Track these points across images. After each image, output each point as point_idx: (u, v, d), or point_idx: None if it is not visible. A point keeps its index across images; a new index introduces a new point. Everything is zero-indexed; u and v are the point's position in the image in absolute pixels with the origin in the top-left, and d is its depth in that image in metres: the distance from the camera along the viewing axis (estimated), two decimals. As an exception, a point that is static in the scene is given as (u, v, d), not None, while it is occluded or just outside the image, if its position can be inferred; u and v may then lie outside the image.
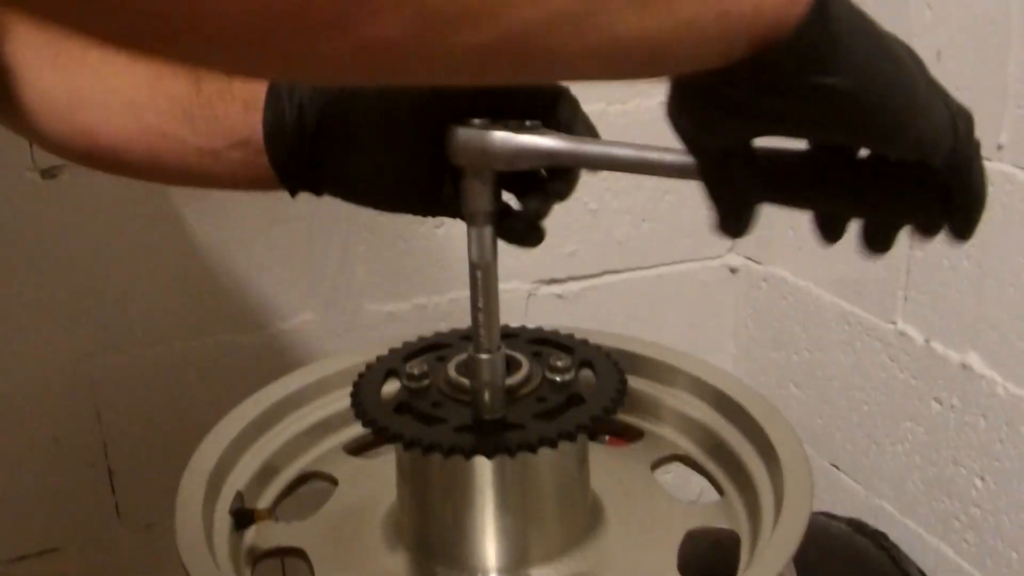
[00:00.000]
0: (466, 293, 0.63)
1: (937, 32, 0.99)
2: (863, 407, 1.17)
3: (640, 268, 1.29)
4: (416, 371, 0.67)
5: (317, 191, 0.66)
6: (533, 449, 0.60)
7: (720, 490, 0.74)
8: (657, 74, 0.43)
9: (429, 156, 0.60)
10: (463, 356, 0.67)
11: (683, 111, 0.45)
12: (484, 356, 0.62)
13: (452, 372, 0.66)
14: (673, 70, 0.43)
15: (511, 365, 0.66)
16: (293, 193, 0.67)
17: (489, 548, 0.64)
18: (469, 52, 0.35)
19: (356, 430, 0.81)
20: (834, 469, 1.23)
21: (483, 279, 0.62)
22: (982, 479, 1.02)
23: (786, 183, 0.51)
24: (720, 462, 0.75)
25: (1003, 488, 0.99)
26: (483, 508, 0.64)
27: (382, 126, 0.62)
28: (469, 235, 0.61)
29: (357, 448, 0.81)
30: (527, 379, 0.66)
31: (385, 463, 0.75)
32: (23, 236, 1.00)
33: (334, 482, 0.77)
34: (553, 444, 0.60)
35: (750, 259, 1.32)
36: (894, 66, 0.46)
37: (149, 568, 1.13)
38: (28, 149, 0.98)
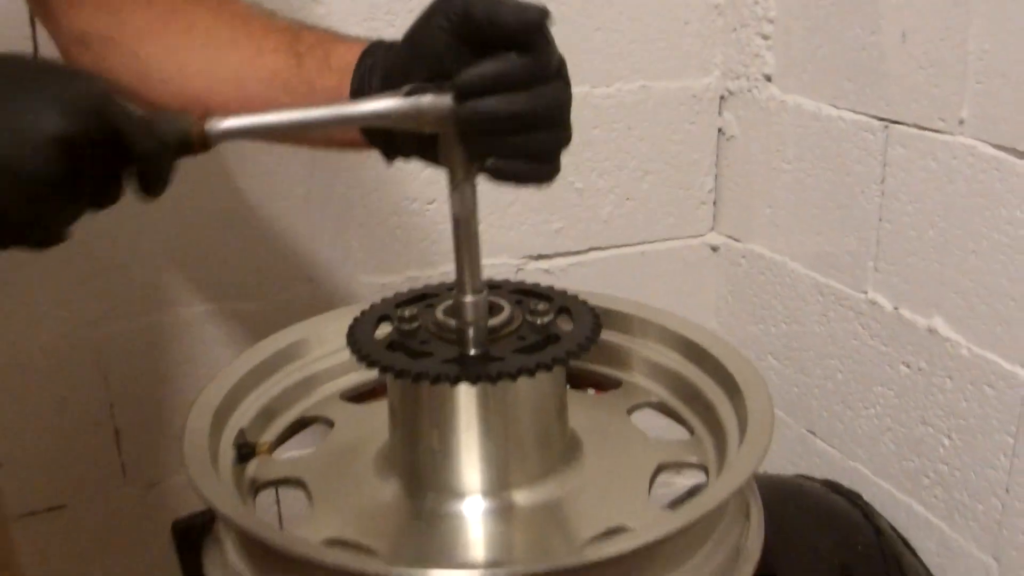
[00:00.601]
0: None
1: (903, 13, 1.05)
2: (837, 375, 1.22)
3: (624, 245, 1.35)
4: (406, 314, 0.72)
5: (402, 153, 0.69)
6: (513, 377, 0.65)
7: (691, 430, 0.79)
8: None
9: None
10: (450, 302, 0.72)
11: None
12: (468, 298, 0.67)
13: (440, 315, 0.71)
14: None
15: (494, 309, 0.71)
16: (387, 158, 0.71)
17: (473, 472, 0.69)
18: None
19: (352, 379, 0.87)
20: (810, 435, 1.28)
21: (464, 229, 0.67)
22: (949, 437, 1.07)
23: None
24: (690, 405, 0.80)
25: (968, 445, 1.04)
26: (467, 434, 0.69)
27: None
28: (450, 190, 0.65)
29: (353, 396, 0.86)
30: (509, 321, 0.71)
31: (378, 408, 0.80)
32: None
33: (331, 424, 0.82)
34: (531, 373, 0.65)
35: (730, 237, 1.38)
36: None
37: (153, 525, 1.18)
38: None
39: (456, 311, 0.68)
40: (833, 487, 1.18)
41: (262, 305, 1.16)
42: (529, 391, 0.69)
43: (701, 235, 1.39)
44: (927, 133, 1.04)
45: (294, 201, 1.15)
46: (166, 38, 0.71)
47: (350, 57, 0.69)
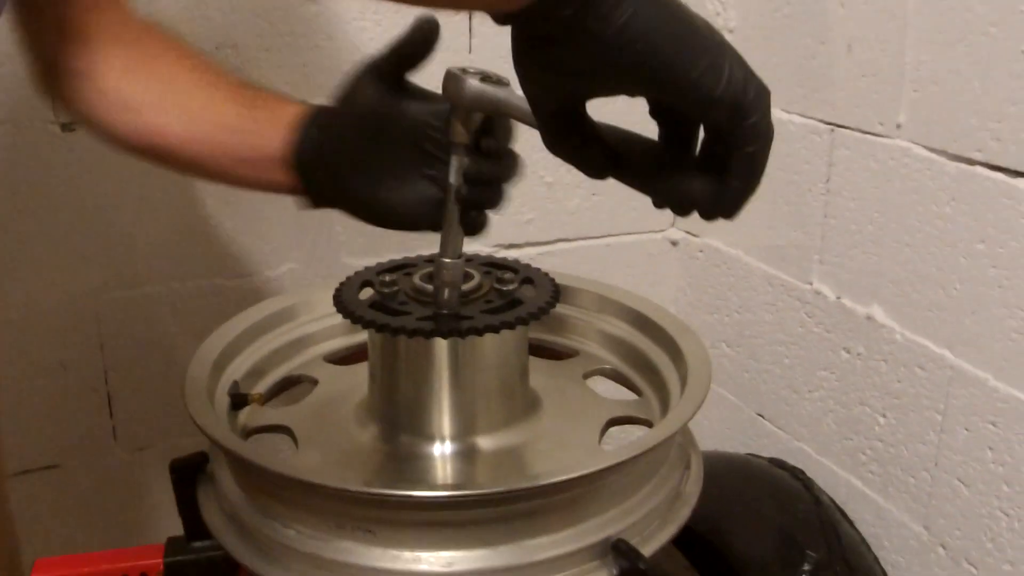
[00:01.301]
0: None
1: (849, 26, 1.14)
2: (784, 360, 1.31)
3: (590, 237, 1.44)
4: (387, 280, 0.81)
5: (330, 205, 0.79)
6: (480, 333, 0.73)
7: (639, 392, 0.88)
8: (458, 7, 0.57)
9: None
10: (427, 270, 0.80)
11: (517, 70, 0.54)
12: (447, 260, 0.75)
13: (417, 281, 0.80)
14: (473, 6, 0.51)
15: (466, 277, 0.80)
16: (314, 206, 0.80)
17: (444, 419, 0.78)
18: None
19: (336, 343, 0.96)
20: (759, 418, 1.37)
21: (455, 199, 0.75)
22: (884, 416, 1.16)
23: (631, 167, 0.62)
24: (639, 370, 0.89)
25: (901, 422, 1.14)
26: (439, 384, 0.77)
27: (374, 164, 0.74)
28: (451, 162, 0.73)
29: (336, 359, 0.94)
30: (478, 287, 0.80)
31: (359, 370, 0.88)
32: (43, 181, 1.13)
33: (315, 383, 0.90)
34: (496, 330, 0.74)
35: (689, 232, 1.47)
36: (668, 14, 0.50)
37: (141, 487, 1.25)
38: (50, 105, 1.11)
39: (435, 270, 0.76)
40: (778, 464, 1.27)
41: (251, 282, 1.24)
42: (495, 347, 0.77)
43: (662, 230, 1.48)
44: (868, 136, 1.13)
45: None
46: (135, 78, 0.78)
47: (294, 116, 0.77)
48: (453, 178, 0.73)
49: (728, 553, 1.14)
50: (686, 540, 1.14)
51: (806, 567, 1.09)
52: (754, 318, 1.36)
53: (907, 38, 1.07)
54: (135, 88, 0.78)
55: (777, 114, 1.26)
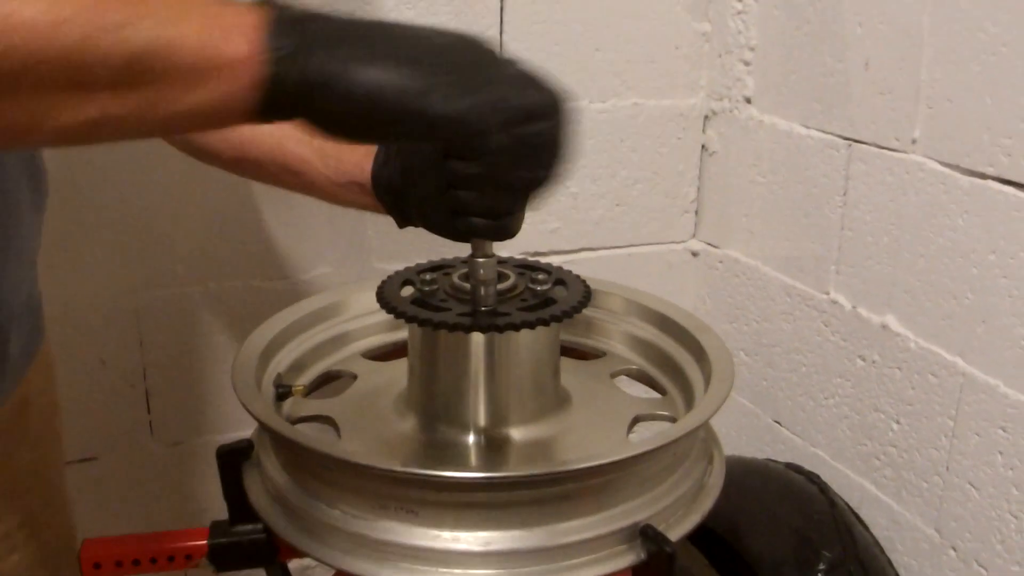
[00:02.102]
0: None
1: (866, 44, 1.19)
2: (801, 368, 1.35)
3: (613, 247, 1.48)
4: (427, 278, 0.85)
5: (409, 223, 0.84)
6: (516, 328, 0.77)
7: (664, 391, 0.92)
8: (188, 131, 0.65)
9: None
10: (464, 270, 0.85)
11: None
12: (481, 259, 0.79)
13: (455, 279, 0.84)
14: (209, 127, 0.56)
15: (501, 277, 0.84)
16: (400, 224, 0.85)
17: (479, 410, 0.82)
18: None
19: (374, 341, 1.00)
20: (776, 425, 1.41)
21: None
22: (897, 422, 1.20)
23: None
24: (663, 370, 0.93)
25: (914, 428, 1.17)
26: (476, 377, 0.81)
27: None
28: None
29: (374, 356, 0.98)
30: (514, 287, 0.84)
31: (397, 365, 0.93)
32: (87, 183, 1.17)
33: (354, 377, 0.94)
34: (531, 326, 0.78)
35: (709, 244, 1.51)
36: (424, 62, 0.55)
37: (175, 480, 1.29)
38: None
39: (471, 270, 0.80)
40: (794, 468, 1.30)
41: (285, 284, 1.29)
42: (529, 343, 0.81)
43: (683, 241, 1.52)
44: (884, 151, 1.17)
45: (318, 191, 1.28)
46: None
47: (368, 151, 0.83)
48: None
49: (745, 553, 1.17)
50: (705, 540, 1.19)
51: (821, 567, 1.13)
52: (772, 327, 1.40)
53: (922, 56, 1.11)
54: None
55: (797, 129, 1.31)
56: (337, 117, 0.55)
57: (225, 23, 0.51)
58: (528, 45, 1.33)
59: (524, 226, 1.38)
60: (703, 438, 0.86)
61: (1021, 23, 0.99)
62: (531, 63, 0.62)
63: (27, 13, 0.46)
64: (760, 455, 1.42)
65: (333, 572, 0.78)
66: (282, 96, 0.53)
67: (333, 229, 1.30)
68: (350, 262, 1.31)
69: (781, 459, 1.38)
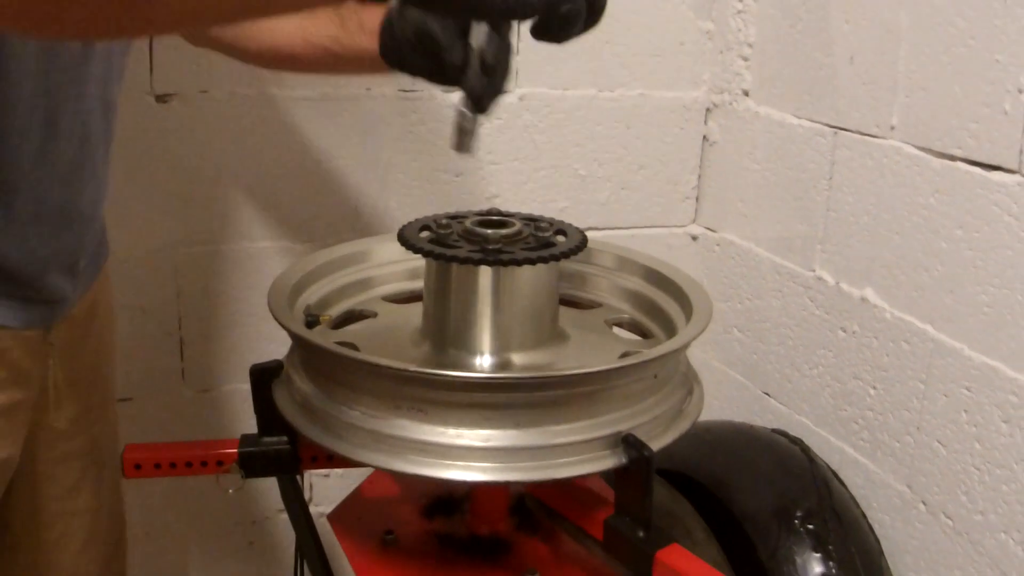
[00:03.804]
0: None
1: (851, 40, 1.29)
2: (788, 341, 1.45)
3: (618, 228, 1.58)
4: (443, 223, 0.96)
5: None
6: (519, 263, 0.88)
7: (652, 335, 1.02)
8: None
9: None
10: (476, 219, 0.96)
11: None
12: (466, 111, 0.82)
13: (468, 225, 0.95)
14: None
15: (507, 224, 0.95)
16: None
17: (485, 336, 0.92)
18: None
19: (394, 287, 1.10)
20: (766, 396, 1.50)
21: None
22: (874, 387, 1.29)
23: None
24: (652, 317, 1.04)
25: (888, 393, 1.27)
26: (483, 306, 0.91)
27: None
28: (473, 29, 0.83)
29: (393, 300, 1.09)
30: (518, 232, 0.95)
31: (413, 308, 1.03)
32: (138, 145, 1.29)
33: (374, 315, 1.05)
34: (532, 263, 0.89)
35: (708, 228, 1.61)
36: None
37: (203, 424, 1.40)
38: (148, 78, 1.28)
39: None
40: (779, 432, 1.40)
41: (314, 247, 1.39)
42: (530, 278, 0.92)
43: (684, 225, 1.63)
44: (866, 138, 1.28)
45: (348, 162, 1.39)
46: None
47: (376, 21, 0.94)
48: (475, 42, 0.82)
49: (731, 504, 1.27)
50: (696, 494, 1.29)
51: (798, 514, 1.22)
52: (763, 304, 1.50)
53: (900, 50, 1.21)
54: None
55: (789, 119, 1.41)
56: None
57: None
58: (542, 35, 1.44)
59: (536, 203, 1.51)
60: (684, 372, 0.95)
61: (986, 18, 1.09)
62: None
63: None
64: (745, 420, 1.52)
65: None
66: None
67: (359, 196, 1.41)
68: (373, 227, 1.42)
69: (769, 427, 1.47)
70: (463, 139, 0.83)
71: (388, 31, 0.93)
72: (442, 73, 0.82)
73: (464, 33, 0.81)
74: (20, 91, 0.76)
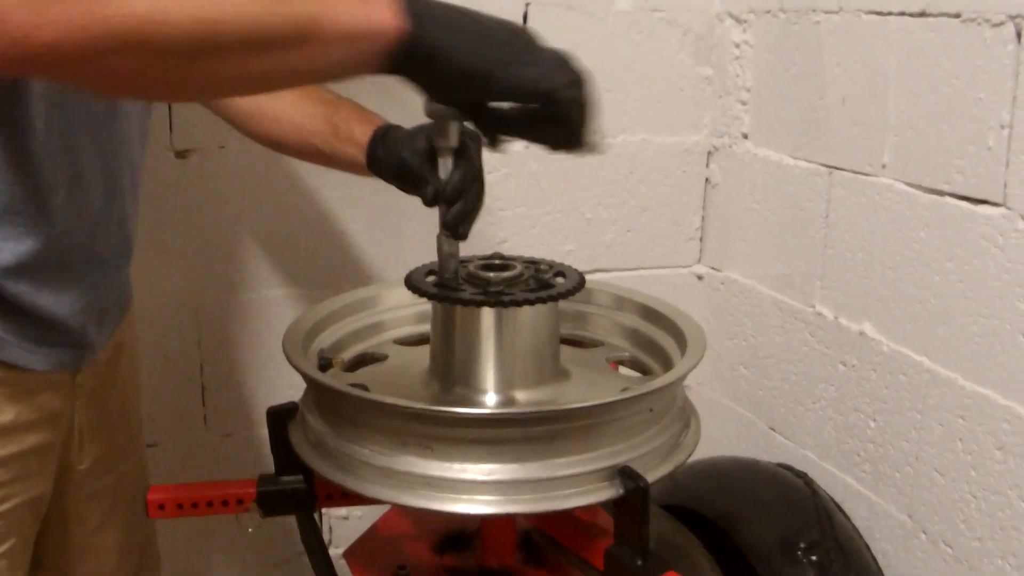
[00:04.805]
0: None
1: (843, 83, 1.34)
2: (791, 377, 1.48)
3: (624, 269, 1.63)
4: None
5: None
6: (519, 304, 0.93)
7: (651, 371, 1.06)
8: (337, 79, 0.78)
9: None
10: (479, 263, 1.01)
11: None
12: (447, 236, 0.95)
13: (471, 269, 1.00)
14: (348, 78, 0.74)
15: (509, 268, 1.00)
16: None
17: (489, 375, 0.96)
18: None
19: (404, 330, 1.15)
20: (771, 431, 1.53)
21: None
22: (874, 420, 1.32)
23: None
24: (651, 355, 1.08)
25: (888, 424, 1.30)
26: (486, 346, 0.96)
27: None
28: (439, 163, 0.93)
29: (404, 342, 1.13)
30: (519, 275, 0.99)
31: (423, 350, 1.08)
32: (157, 197, 1.35)
33: (385, 358, 1.09)
34: (531, 303, 0.93)
35: (712, 267, 1.65)
36: (492, 41, 0.75)
37: (226, 468, 1.45)
38: (168, 135, 1.34)
39: (438, 246, 0.96)
40: (783, 466, 1.43)
41: (329, 294, 1.44)
42: (530, 318, 0.96)
43: (689, 265, 1.67)
44: (859, 176, 1.32)
45: (361, 211, 1.45)
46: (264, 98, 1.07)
47: (367, 135, 1.03)
48: (442, 172, 0.94)
49: (736, 537, 1.30)
50: (702, 527, 1.32)
51: (801, 546, 1.25)
52: (766, 340, 1.53)
53: (889, 92, 1.26)
54: (264, 105, 1.06)
55: (787, 160, 1.46)
56: (442, 78, 0.74)
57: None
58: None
59: (543, 247, 1.56)
60: (681, 406, 0.99)
61: (968, 58, 1.13)
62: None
63: (223, 2, 0.63)
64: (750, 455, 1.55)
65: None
66: (407, 55, 0.71)
67: (374, 246, 1.47)
68: (387, 275, 1.47)
69: (775, 462, 1.50)
70: (445, 262, 0.95)
71: (374, 149, 1.03)
72: (421, 197, 0.96)
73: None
74: (48, 147, 0.82)
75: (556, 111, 0.78)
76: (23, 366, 0.84)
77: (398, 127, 1.03)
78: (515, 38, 0.77)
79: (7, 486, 0.87)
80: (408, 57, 0.71)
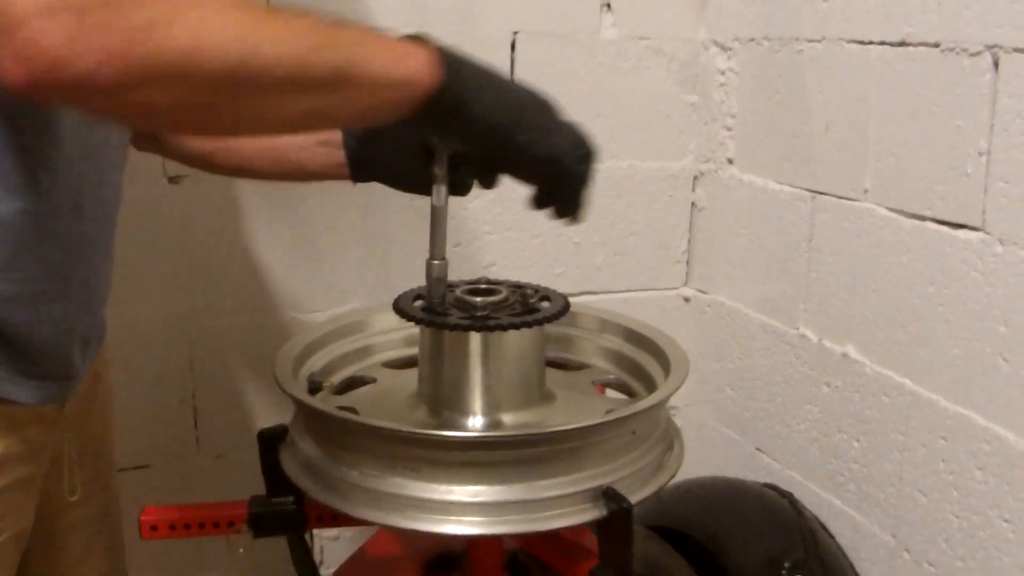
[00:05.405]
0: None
1: (826, 110, 1.36)
2: (777, 398, 1.50)
3: (612, 292, 1.65)
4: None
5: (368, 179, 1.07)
6: (504, 328, 0.95)
7: (636, 394, 1.08)
8: (364, 124, 0.84)
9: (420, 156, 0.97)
10: (466, 287, 1.02)
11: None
12: (436, 261, 0.96)
13: (458, 294, 1.02)
14: (375, 122, 0.78)
15: (495, 292, 1.02)
16: (355, 181, 1.06)
17: (476, 398, 0.98)
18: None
19: (393, 353, 1.17)
20: (758, 452, 1.55)
21: (438, 216, 0.96)
22: (858, 441, 1.34)
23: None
24: (635, 377, 1.10)
25: (872, 445, 1.31)
26: (473, 370, 0.97)
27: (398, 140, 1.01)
28: (433, 190, 0.95)
29: (392, 366, 1.15)
30: (506, 299, 1.01)
31: (411, 373, 1.09)
32: (150, 222, 1.37)
33: (374, 381, 1.11)
34: (517, 327, 0.95)
35: (699, 290, 1.68)
36: (516, 104, 0.79)
37: (218, 489, 1.45)
38: (161, 161, 1.36)
39: (427, 271, 0.97)
40: (769, 486, 1.45)
41: (320, 317, 1.46)
42: (516, 342, 0.98)
43: (676, 288, 1.69)
44: (842, 200, 1.34)
45: (351, 235, 1.47)
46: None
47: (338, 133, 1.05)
48: (435, 200, 0.95)
49: (723, 558, 1.32)
50: (689, 548, 1.34)
51: (786, 565, 1.26)
52: (752, 363, 1.55)
53: (871, 119, 1.28)
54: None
55: (771, 185, 1.48)
56: (463, 131, 0.78)
57: (401, 50, 0.72)
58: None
59: (533, 269, 1.57)
60: (665, 428, 1.01)
61: (947, 87, 1.16)
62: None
63: (264, 42, 0.64)
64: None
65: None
66: (435, 107, 0.74)
67: (361, 269, 1.48)
68: (377, 297, 1.49)
69: (762, 482, 1.52)
70: (433, 287, 0.97)
71: (359, 151, 1.05)
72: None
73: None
74: (56, 177, 0.82)
75: (563, 180, 0.84)
76: (12, 399, 0.84)
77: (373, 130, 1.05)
78: (538, 104, 0.82)
79: None
80: (436, 109, 0.74)
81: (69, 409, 0.94)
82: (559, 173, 0.84)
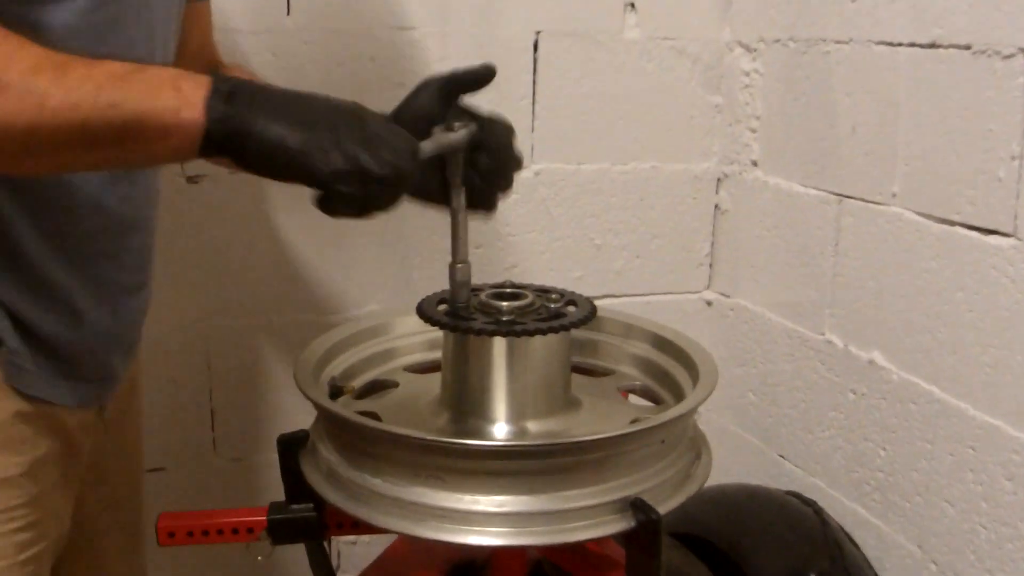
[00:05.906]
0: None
1: (853, 112, 1.34)
2: (801, 404, 1.48)
3: (633, 295, 1.63)
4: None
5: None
6: (531, 334, 0.93)
7: (662, 400, 1.06)
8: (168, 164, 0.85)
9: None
10: (491, 291, 1.01)
11: None
12: (459, 265, 0.96)
13: (483, 298, 1.00)
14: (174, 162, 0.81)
15: (520, 296, 1.00)
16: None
17: (501, 405, 0.96)
18: None
19: (415, 357, 1.15)
20: (781, 459, 1.53)
21: (458, 220, 0.95)
22: (884, 449, 1.32)
23: None
24: (662, 384, 1.08)
25: (898, 453, 1.29)
26: (498, 376, 0.96)
27: None
28: (451, 193, 0.94)
29: (414, 369, 1.13)
30: (531, 304, 1.00)
31: (433, 377, 1.08)
32: (171, 224, 1.35)
33: (396, 385, 1.09)
34: (543, 332, 0.93)
35: (722, 294, 1.66)
36: (309, 127, 0.77)
37: (235, 492, 1.45)
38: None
39: (451, 274, 0.96)
40: (793, 494, 1.43)
41: (339, 319, 1.45)
42: (542, 347, 0.96)
43: (698, 291, 1.67)
44: (869, 204, 1.32)
45: (372, 237, 1.46)
46: None
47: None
48: (454, 204, 0.94)
49: (746, 567, 1.30)
50: (712, 556, 1.32)
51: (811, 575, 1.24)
52: (776, 368, 1.53)
53: (900, 121, 1.26)
54: None
55: (796, 188, 1.46)
56: (250, 160, 0.77)
57: (183, 97, 0.74)
58: (557, 114, 1.51)
59: (553, 272, 1.54)
60: (692, 436, 0.99)
61: (978, 90, 1.14)
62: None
63: (53, 99, 0.69)
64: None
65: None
66: (213, 144, 0.75)
67: (381, 271, 1.47)
68: (395, 301, 1.48)
69: (785, 490, 1.50)
70: (457, 291, 0.97)
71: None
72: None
73: None
74: (110, 197, 0.86)
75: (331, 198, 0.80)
76: (55, 401, 0.85)
77: None
78: (338, 118, 0.79)
79: (37, 527, 0.86)
80: (221, 145, 0.75)
81: (109, 411, 0.94)
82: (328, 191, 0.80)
